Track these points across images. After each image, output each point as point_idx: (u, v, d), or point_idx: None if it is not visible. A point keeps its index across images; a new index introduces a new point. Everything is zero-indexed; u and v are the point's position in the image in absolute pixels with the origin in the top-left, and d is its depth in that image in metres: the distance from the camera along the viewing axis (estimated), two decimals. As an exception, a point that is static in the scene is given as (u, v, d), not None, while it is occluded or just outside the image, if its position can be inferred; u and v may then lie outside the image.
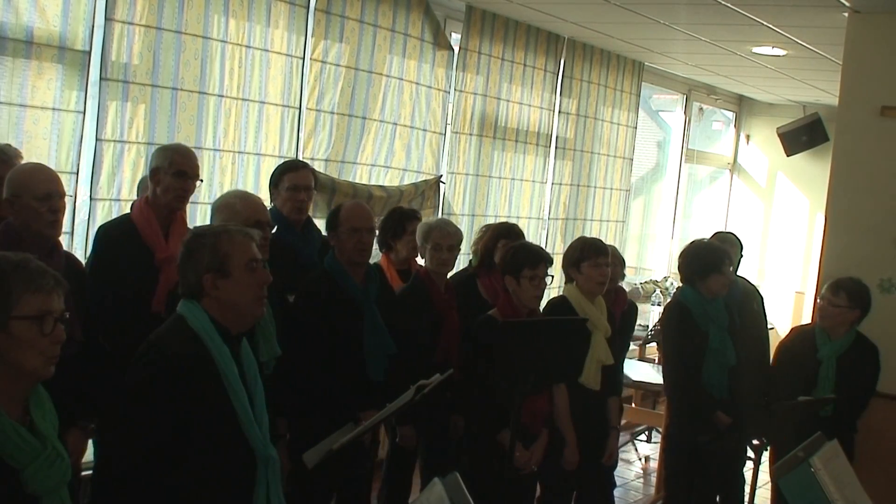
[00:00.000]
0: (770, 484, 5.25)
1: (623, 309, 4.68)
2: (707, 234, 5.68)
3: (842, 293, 4.59)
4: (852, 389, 4.58)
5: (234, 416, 2.49)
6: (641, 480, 6.61)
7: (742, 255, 5.39)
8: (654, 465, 6.64)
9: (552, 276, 4.13)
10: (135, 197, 4.61)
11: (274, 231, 3.76)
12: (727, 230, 5.62)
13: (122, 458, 2.46)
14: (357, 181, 5.78)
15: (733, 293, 5.13)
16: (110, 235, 3.72)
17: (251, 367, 2.63)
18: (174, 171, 3.67)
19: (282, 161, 5.29)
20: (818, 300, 4.70)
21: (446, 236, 4.37)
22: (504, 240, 4.54)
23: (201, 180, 3.87)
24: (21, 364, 2.03)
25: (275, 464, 2.60)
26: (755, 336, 5.25)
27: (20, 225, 3.17)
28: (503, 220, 6.69)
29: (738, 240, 5.42)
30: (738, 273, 5.42)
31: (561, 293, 4.45)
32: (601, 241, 4.48)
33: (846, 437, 4.56)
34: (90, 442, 3.50)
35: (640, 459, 6.97)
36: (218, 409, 2.47)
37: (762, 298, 5.63)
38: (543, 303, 4.56)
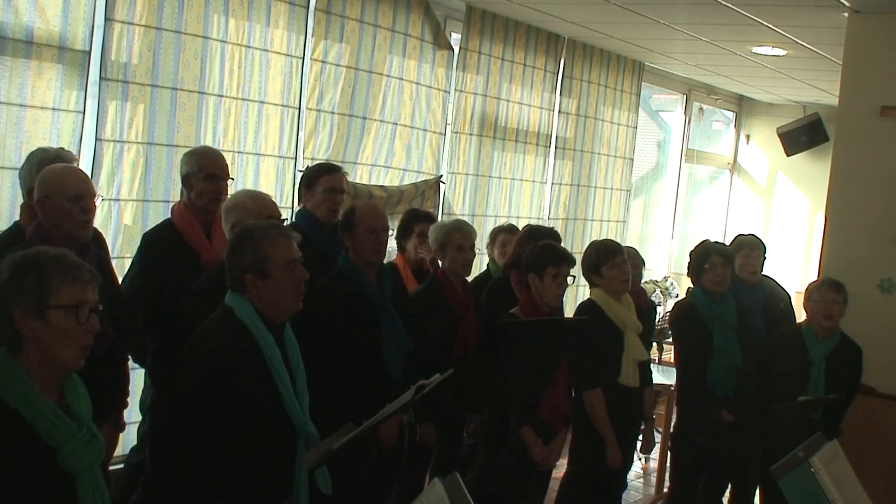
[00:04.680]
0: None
1: (645, 307, 4.72)
2: (708, 235, 5.67)
3: (839, 289, 4.58)
4: (839, 390, 4.56)
5: (278, 396, 2.74)
6: (641, 480, 6.60)
7: (765, 257, 5.29)
8: (654, 465, 6.63)
9: (574, 277, 4.16)
10: (134, 197, 4.63)
11: (300, 229, 3.81)
12: (749, 233, 5.50)
13: (180, 435, 2.75)
14: (357, 181, 5.77)
15: (759, 294, 5.12)
16: (156, 242, 3.81)
17: (294, 351, 2.89)
18: (204, 175, 3.76)
19: (281, 161, 5.32)
20: (814, 302, 4.62)
21: (468, 237, 4.44)
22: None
23: (232, 179, 3.95)
24: (56, 353, 2.13)
25: (315, 439, 2.85)
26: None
27: (51, 226, 3.19)
28: (503, 220, 6.71)
29: (762, 242, 5.32)
30: (765, 273, 5.36)
31: (588, 297, 4.47)
32: (613, 240, 4.52)
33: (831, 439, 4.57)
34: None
35: (640, 459, 6.96)
36: (263, 390, 2.72)
37: (789, 298, 5.59)
38: (573, 305, 4.58)
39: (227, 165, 3.88)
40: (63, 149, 3.80)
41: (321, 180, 4.17)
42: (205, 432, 2.67)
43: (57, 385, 2.18)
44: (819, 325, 4.61)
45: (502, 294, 4.51)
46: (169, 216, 3.95)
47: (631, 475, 6.58)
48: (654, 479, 6.44)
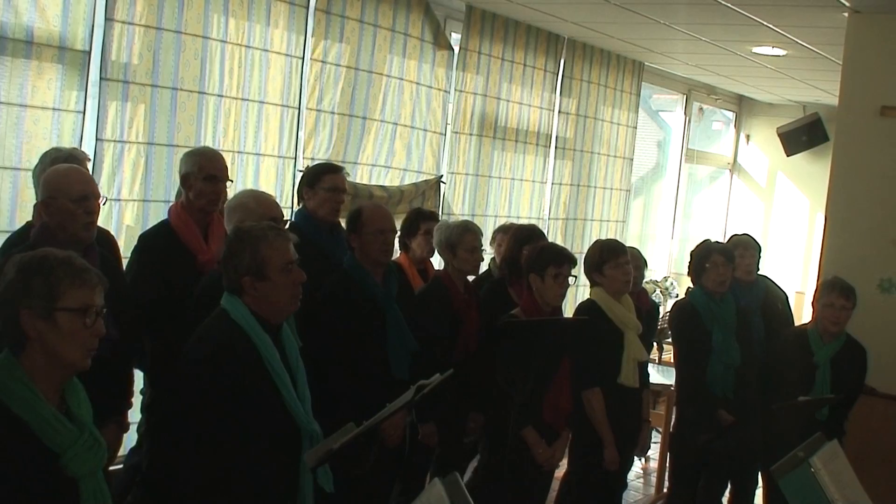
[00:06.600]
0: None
1: (647, 308, 4.72)
2: (708, 235, 5.67)
3: (850, 294, 4.56)
4: (844, 391, 4.54)
5: (279, 396, 2.73)
6: (641, 480, 6.60)
7: (760, 257, 5.29)
8: (654, 465, 6.63)
9: (575, 277, 4.16)
10: (135, 197, 4.63)
11: (299, 229, 3.81)
12: (744, 232, 5.51)
13: (178, 443, 2.71)
14: (358, 181, 5.77)
15: (755, 294, 5.11)
16: (152, 242, 3.79)
17: (292, 350, 2.87)
18: (204, 175, 3.73)
19: (281, 161, 5.32)
20: (823, 305, 4.58)
21: (479, 238, 4.50)
22: (528, 246, 4.54)
23: (231, 181, 3.92)
24: (62, 355, 2.14)
25: (319, 437, 2.82)
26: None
27: (55, 226, 3.18)
28: (503, 220, 6.71)
29: (756, 242, 5.31)
30: (762, 273, 5.35)
31: (588, 297, 4.47)
32: (618, 241, 4.54)
33: (837, 439, 4.56)
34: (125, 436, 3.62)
35: (639, 460, 6.96)
36: (263, 391, 2.70)
37: (786, 297, 5.57)
38: (573, 306, 4.57)
39: (226, 167, 3.86)
40: (76, 148, 3.80)
41: (325, 179, 4.16)
42: (205, 435, 2.65)
43: (59, 388, 2.18)
44: (825, 329, 4.59)
45: (497, 294, 4.53)
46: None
47: (631, 475, 6.58)
48: (654, 479, 6.44)
